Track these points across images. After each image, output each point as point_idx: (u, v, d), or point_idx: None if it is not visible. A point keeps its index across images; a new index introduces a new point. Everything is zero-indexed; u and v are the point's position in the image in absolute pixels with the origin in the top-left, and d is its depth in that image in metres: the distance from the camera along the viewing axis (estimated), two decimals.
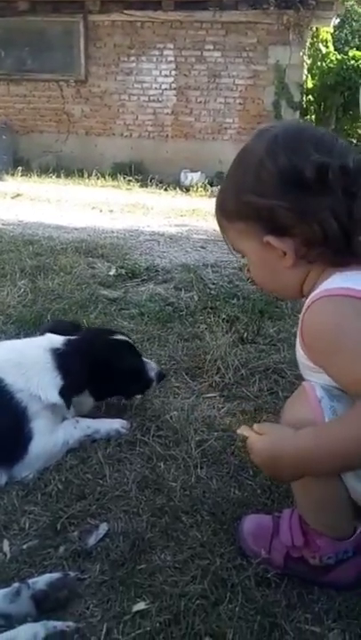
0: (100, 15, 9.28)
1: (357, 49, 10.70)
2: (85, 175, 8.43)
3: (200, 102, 9.47)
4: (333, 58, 10.00)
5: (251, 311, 2.53)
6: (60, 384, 1.43)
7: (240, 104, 9.38)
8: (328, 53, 10.14)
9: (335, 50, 10.78)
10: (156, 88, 9.54)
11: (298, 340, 1.01)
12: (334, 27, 11.73)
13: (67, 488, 1.29)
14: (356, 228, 0.92)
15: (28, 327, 2.23)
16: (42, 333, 1.63)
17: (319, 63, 9.99)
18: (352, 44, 14.33)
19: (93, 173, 8.43)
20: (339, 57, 10.03)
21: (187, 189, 8.10)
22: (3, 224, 4.39)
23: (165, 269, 3.30)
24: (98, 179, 8.31)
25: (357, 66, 9.59)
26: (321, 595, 1.06)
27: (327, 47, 10.39)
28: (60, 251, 3.50)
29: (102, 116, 9.77)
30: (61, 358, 1.47)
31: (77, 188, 7.58)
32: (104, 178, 8.41)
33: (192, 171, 8.95)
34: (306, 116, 9.68)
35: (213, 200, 1.07)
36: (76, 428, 1.48)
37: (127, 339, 1.65)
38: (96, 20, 9.36)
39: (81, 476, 1.34)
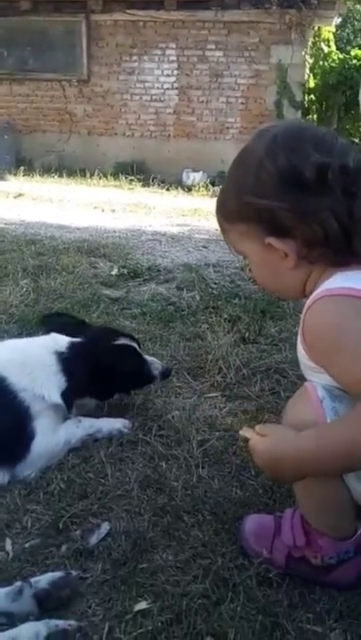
0: (102, 15, 9.28)
1: (359, 48, 10.66)
2: (88, 175, 8.43)
3: (202, 102, 9.47)
4: (335, 57, 9.99)
5: (252, 311, 2.53)
6: (64, 386, 1.43)
7: (242, 103, 9.37)
8: (330, 53, 10.13)
9: (337, 49, 10.76)
10: (158, 87, 9.54)
11: (299, 339, 1.01)
12: (336, 26, 11.73)
13: (69, 487, 1.29)
14: (356, 228, 0.92)
15: (30, 326, 2.24)
16: (46, 331, 1.64)
17: (321, 62, 9.97)
18: (354, 44, 14.29)
19: (95, 173, 8.43)
20: (341, 56, 10.02)
21: (189, 189, 8.10)
22: (5, 224, 4.40)
23: (167, 269, 3.31)
24: (100, 178, 8.32)
25: (359, 65, 9.57)
26: (323, 594, 1.06)
27: (329, 46, 10.37)
28: (62, 250, 3.51)
29: (104, 115, 9.77)
30: (66, 360, 1.48)
31: (80, 187, 7.58)
32: (106, 177, 8.41)
33: (194, 170, 8.94)
34: (308, 115, 9.66)
35: (215, 200, 1.07)
36: (79, 428, 1.49)
37: (131, 342, 1.65)
38: (98, 20, 9.36)
39: (83, 475, 1.34)
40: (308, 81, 9.61)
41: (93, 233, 4.25)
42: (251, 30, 9.06)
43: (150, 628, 0.95)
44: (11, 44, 9.72)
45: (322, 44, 10.18)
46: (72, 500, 1.25)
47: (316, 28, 9.49)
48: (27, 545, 1.13)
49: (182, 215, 5.48)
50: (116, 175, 8.52)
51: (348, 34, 16.44)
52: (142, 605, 1.00)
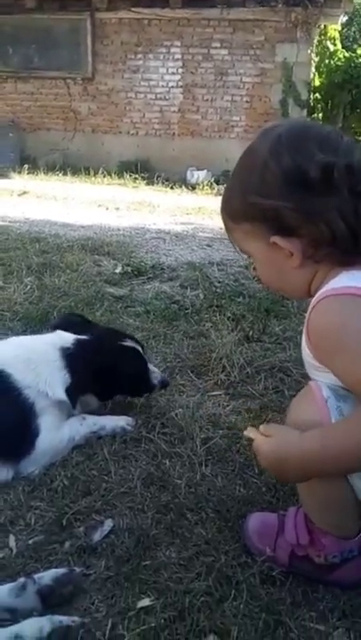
0: (107, 13, 9.27)
1: None
2: (92, 173, 8.43)
3: (207, 100, 9.45)
4: (341, 56, 9.94)
5: (256, 309, 2.53)
6: (68, 382, 1.43)
7: (247, 102, 9.34)
8: (336, 51, 10.08)
9: (343, 48, 10.70)
10: (162, 86, 9.52)
11: (304, 338, 1.00)
12: (342, 24, 11.64)
13: (72, 484, 1.29)
14: None
15: (34, 324, 2.24)
16: (52, 329, 1.64)
17: (327, 61, 9.93)
18: (360, 42, 14.24)
19: (100, 171, 8.43)
20: (346, 55, 9.97)
21: (193, 187, 8.09)
22: (9, 221, 4.41)
23: (171, 267, 3.31)
24: (104, 177, 8.31)
25: None
26: (326, 593, 1.06)
27: (335, 45, 10.32)
28: (66, 248, 3.51)
29: (109, 113, 9.77)
30: (70, 358, 1.48)
31: (84, 185, 7.58)
32: (110, 176, 8.41)
33: (198, 169, 8.93)
34: (313, 114, 9.63)
35: (219, 198, 1.06)
36: (82, 425, 1.49)
37: (135, 345, 1.65)
38: (103, 18, 9.35)
39: (87, 472, 1.34)
40: (313, 79, 9.57)
41: (97, 231, 4.25)
42: (256, 28, 9.03)
43: (153, 624, 0.95)
44: (16, 42, 9.72)
45: (328, 42, 10.13)
46: (75, 497, 1.25)
47: (322, 26, 9.45)
48: (30, 541, 1.14)
49: (186, 213, 5.47)
50: (120, 173, 8.51)
51: (354, 32, 16.36)
52: (145, 602, 1.00)
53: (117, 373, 1.55)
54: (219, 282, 3.08)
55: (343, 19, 10.68)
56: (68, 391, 1.43)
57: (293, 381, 1.91)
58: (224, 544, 1.13)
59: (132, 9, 9.13)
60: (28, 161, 8.92)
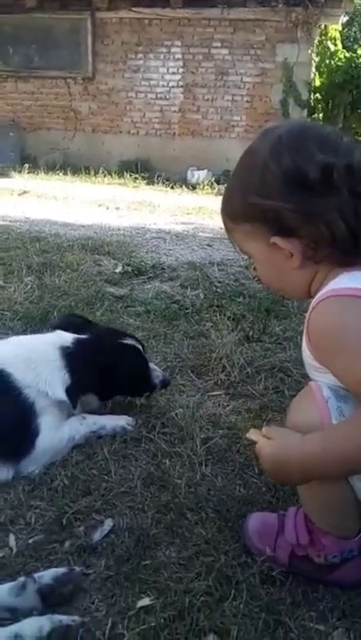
0: (107, 12, 9.27)
1: None
2: (92, 173, 8.43)
3: (207, 100, 9.45)
4: (342, 56, 9.94)
5: (257, 309, 2.53)
6: (68, 382, 1.44)
7: (247, 102, 9.34)
8: (336, 51, 10.08)
9: (344, 48, 10.69)
10: (163, 85, 9.52)
11: (304, 339, 1.00)
12: (343, 24, 11.64)
13: (72, 484, 1.29)
14: None
15: (34, 323, 2.24)
16: (52, 329, 1.64)
17: (327, 61, 9.92)
18: None
19: (100, 171, 8.42)
20: (347, 55, 9.96)
21: (193, 187, 8.08)
22: (10, 221, 4.41)
23: (171, 267, 3.31)
24: (105, 176, 8.31)
25: None
26: (326, 593, 1.06)
27: (335, 45, 10.31)
28: (66, 248, 3.51)
29: (109, 113, 9.76)
30: (70, 357, 1.48)
31: (84, 185, 7.58)
32: (111, 175, 8.40)
33: (199, 169, 8.93)
34: (314, 114, 9.63)
35: (220, 198, 1.07)
36: (83, 425, 1.49)
37: (136, 344, 1.65)
38: (104, 18, 9.35)
39: (87, 471, 1.34)
40: (314, 80, 9.57)
41: (98, 231, 4.25)
42: (257, 28, 9.03)
43: (153, 624, 0.96)
44: (16, 42, 9.72)
45: (328, 42, 10.13)
46: (75, 497, 1.25)
47: (322, 26, 9.44)
48: (30, 541, 1.14)
49: (187, 213, 5.47)
50: (120, 173, 8.51)
51: (355, 32, 16.35)
52: (145, 602, 1.00)
53: (118, 373, 1.55)
54: (219, 282, 3.08)
55: (344, 19, 10.69)
56: (69, 391, 1.43)
57: (294, 381, 1.91)
58: (224, 544, 1.13)
59: (133, 8, 9.13)
60: (28, 160, 8.92)
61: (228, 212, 1.03)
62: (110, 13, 9.28)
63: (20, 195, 6.07)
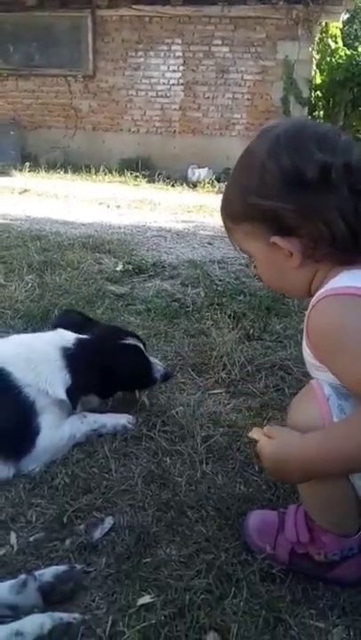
0: (108, 10, 9.25)
1: None
2: (93, 171, 8.42)
3: (208, 98, 9.43)
4: (343, 53, 9.90)
5: (257, 308, 2.53)
6: (69, 383, 1.44)
7: (248, 100, 9.32)
8: (337, 49, 10.04)
9: (344, 45, 10.66)
10: (163, 83, 9.51)
11: (304, 337, 1.00)
12: (344, 22, 11.60)
13: (73, 482, 1.30)
14: None
15: (35, 322, 2.25)
16: (52, 327, 1.64)
17: (328, 59, 9.89)
18: None
19: (101, 169, 8.42)
20: (348, 52, 9.93)
21: (194, 185, 8.08)
22: (10, 219, 4.40)
23: (172, 265, 3.31)
24: (105, 174, 8.30)
25: None
26: (326, 591, 1.06)
27: (336, 43, 10.28)
28: (67, 246, 3.51)
29: (110, 111, 9.75)
30: (71, 358, 1.48)
31: (85, 183, 7.58)
32: (111, 173, 8.39)
33: (199, 167, 8.91)
34: (314, 112, 9.61)
35: (221, 196, 1.07)
36: (83, 423, 1.49)
37: (137, 343, 1.65)
38: (104, 15, 9.33)
39: (87, 469, 1.35)
40: (314, 77, 9.54)
41: (98, 229, 4.25)
42: (257, 26, 9.01)
43: (154, 621, 0.96)
44: (16, 40, 9.70)
45: (329, 40, 10.09)
46: (76, 495, 1.25)
47: (323, 23, 9.42)
48: (31, 539, 1.14)
49: (187, 211, 5.47)
50: (121, 171, 8.50)
51: (355, 30, 16.28)
52: (146, 599, 1.00)
53: (119, 373, 1.55)
54: (220, 280, 3.08)
55: (345, 16, 10.66)
56: (70, 392, 1.43)
57: (294, 380, 1.91)
58: (224, 542, 1.13)
59: (133, 6, 9.11)
60: (29, 159, 8.91)
61: (228, 213, 1.03)
62: (111, 11, 9.26)
63: (20, 193, 6.07)
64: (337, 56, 9.88)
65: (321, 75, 9.91)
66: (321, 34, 9.79)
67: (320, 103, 9.85)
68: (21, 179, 7.38)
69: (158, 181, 8.13)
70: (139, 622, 0.96)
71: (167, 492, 1.28)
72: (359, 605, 1.03)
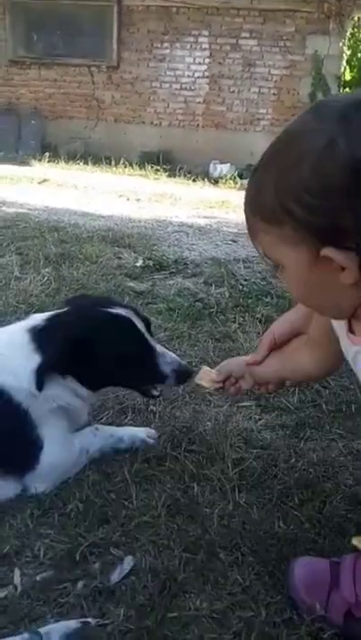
0: (134, 0, 9.06)
1: None
2: (113, 163, 8.28)
3: (233, 92, 9.20)
4: None
5: (286, 310, 2.35)
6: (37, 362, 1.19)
7: (274, 94, 9.07)
8: None
9: None
10: (188, 76, 9.29)
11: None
12: None
13: (88, 509, 1.13)
14: None
15: None
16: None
17: (359, 55, 9.61)
18: None
19: (121, 161, 8.27)
20: None
21: (215, 181, 7.88)
22: (29, 209, 4.28)
23: (195, 263, 3.16)
24: (125, 167, 8.16)
25: None
26: None
27: None
28: (85, 239, 3.38)
29: (132, 103, 9.57)
30: (40, 335, 1.23)
31: (105, 175, 7.44)
32: (132, 166, 8.25)
33: (221, 162, 8.70)
34: None
35: (243, 193, 0.84)
36: (97, 437, 1.33)
37: (127, 313, 1.30)
38: (130, 5, 9.14)
39: (104, 495, 1.18)
40: (343, 73, 9.26)
41: (118, 222, 4.11)
42: (287, 19, 8.74)
43: None
44: (40, 28, 9.57)
45: None
46: (91, 526, 1.09)
47: (355, 18, 9.12)
48: (38, 577, 0.98)
49: (209, 207, 5.29)
50: (141, 164, 8.35)
51: None
52: None
53: (101, 349, 1.21)
54: (245, 280, 2.93)
55: None
56: (38, 370, 1.16)
57: (332, 394, 1.73)
58: (264, 594, 0.96)
59: None
60: (49, 149, 8.80)
61: (260, 209, 0.78)
62: (137, 1, 9.07)
63: (39, 183, 5.95)
64: None
65: (351, 71, 9.62)
66: (353, 29, 9.49)
67: None
68: (41, 169, 7.28)
69: (179, 176, 7.97)
70: None
71: (195, 526, 1.10)
72: None
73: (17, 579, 0.97)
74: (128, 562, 1.00)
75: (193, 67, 9.23)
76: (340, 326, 0.90)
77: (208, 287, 2.75)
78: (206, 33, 9.05)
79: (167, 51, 9.26)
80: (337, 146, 0.69)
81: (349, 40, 9.36)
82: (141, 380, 1.35)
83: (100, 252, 3.06)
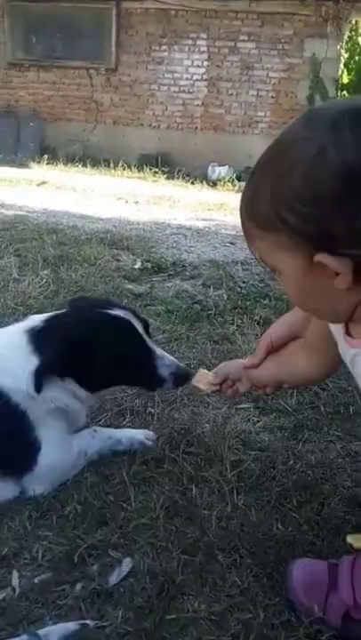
0: (132, 2, 9.08)
1: None
2: (112, 165, 8.29)
3: (231, 94, 9.22)
4: None
5: (284, 313, 2.36)
6: (36, 363, 1.19)
7: (273, 97, 9.09)
8: None
9: None
10: (187, 78, 9.31)
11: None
12: None
13: (86, 511, 1.13)
14: None
15: None
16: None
17: (356, 58, 9.65)
18: None
19: (120, 164, 8.28)
20: None
21: (214, 183, 7.90)
22: (27, 211, 4.29)
23: (193, 265, 3.18)
24: (124, 169, 8.17)
25: None
26: None
27: None
28: (84, 241, 3.39)
29: (131, 105, 9.59)
30: (38, 337, 1.23)
31: (103, 177, 7.45)
32: (130, 169, 8.26)
33: (220, 164, 8.72)
34: None
35: (241, 196, 0.83)
36: (95, 438, 1.33)
37: (126, 315, 1.31)
38: (129, 8, 9.16)
39: (102, 496, 1.18)
40: (341, 76, 9.29)
41: (117, 224, 4.11)
42: (285, 22, 8.77)
43: None
44: (39, 31, 9.59)
45: (359, 38, 9.84)
46: (89, 528, 1.09)
47: (353, 21, 9.16)
48: (36, 580, 0.98)
49: (208, 209, 5.30)
50: (140, 166, 8.36)
51: None
52: None
53: (99, 351, 1.22)
54: (243, 282, 2.93)
55: None
56: (36, 373, 1.16)
57: (330, 396, 1.73)
58: (263, 596, 0.96)
59: None
60: (47, 151, 8.82)
61: (255, 216, 0.79)
62: (135, 3, 9.10)
63: (38, 185, 5.96)
64: None
65: (348, 74, 9.66)
66: (350, 32, 9.53)
67: None
68: (39, 171, 7.28)
69: (177, 178, 7.98)
70: None
71: (194, 528, 1.10)
72: None
73: (15, 581, 0.97)
74: (126, 564, 1.00)
75: (191, 69, 9.26)
76: (337, 329, 0.91)
77: (206, 289, 2.75)
78: (205, 36, 9.07)
79: (166, 53, 9.28)
80: (327, 154, 0.69)
81: (347, 43, 9.39)
82: (139, 382, 1.37)
83: (98, 255, 3.07)
